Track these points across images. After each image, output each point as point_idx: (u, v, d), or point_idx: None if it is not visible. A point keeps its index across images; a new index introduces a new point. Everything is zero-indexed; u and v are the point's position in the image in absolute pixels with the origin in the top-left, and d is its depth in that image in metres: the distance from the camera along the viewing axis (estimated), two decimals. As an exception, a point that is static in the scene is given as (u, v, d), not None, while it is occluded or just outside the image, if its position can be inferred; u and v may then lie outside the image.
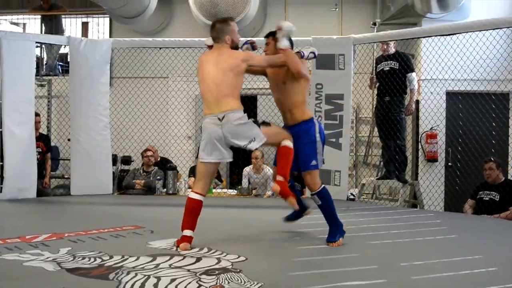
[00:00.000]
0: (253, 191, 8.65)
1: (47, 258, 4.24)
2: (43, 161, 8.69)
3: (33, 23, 12.62)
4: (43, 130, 8.85)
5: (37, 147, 8.36)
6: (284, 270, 3.98)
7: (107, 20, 11.67)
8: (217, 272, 3.86)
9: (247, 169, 8.95)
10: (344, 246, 4.86)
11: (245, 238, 5.24)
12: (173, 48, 8.86)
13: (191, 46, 8.69)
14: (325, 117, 8.02)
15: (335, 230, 4.90)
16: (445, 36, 7.60)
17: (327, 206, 4.91)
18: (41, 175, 8.44)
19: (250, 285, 3.55)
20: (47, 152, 8.82)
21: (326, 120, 8.00)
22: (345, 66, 7.99)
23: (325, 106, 8.04)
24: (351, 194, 8.19)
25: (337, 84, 8.00)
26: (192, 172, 9.31)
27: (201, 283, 3.60)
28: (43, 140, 8.74)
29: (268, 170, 8.80)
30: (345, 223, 5.09)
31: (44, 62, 11.31)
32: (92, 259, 4.17)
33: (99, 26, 11.85)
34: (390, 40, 8.00)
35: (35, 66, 8.29)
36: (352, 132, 10.04)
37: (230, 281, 3.64)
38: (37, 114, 8.80)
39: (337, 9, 10.98)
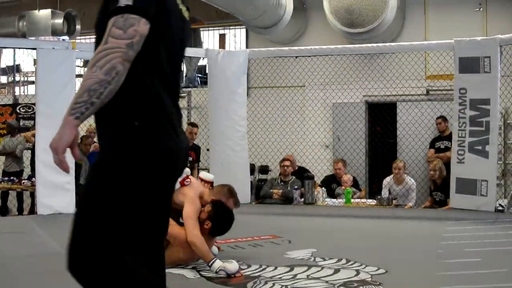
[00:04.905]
0: (393, 201, 8.37)
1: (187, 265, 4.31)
2: (191, 169, 8.97)
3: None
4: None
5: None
6: (427, 284, 3.78)
7: (243, 31, 11.88)
8: (355, 284, 3.75)
9: (388, 179, 8.68)
10: (493, 261, 4.55)
11: (385, 250, 5.08)
12: (310, 56, 8.81)
13: (327, 54, 8.63)
14: (470, 123, 7.61)
15: None
16: None
17: None
18: None
19: (391, 300, 3.40)
20: (196, 162, 9.07)
21: (471, 127, 7.59)
22: (491, 69, 7.54)
23: (469, 112, 7.63)
24: (500, 205, 7.70)
25: (483, 88, 7.58)
26: (324, 182, 9.14)
27: (339, 295, 3.51)
28: (194, 150, 8.99)
29: (410, 180, 8.49)
30: (493, 236, 4.78)
31: (184, 74, 11.69)
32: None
33: (236, 37, 12.09)
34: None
35: (175, 79, 8.54)
36: (500, 139, 9.48)
37: (369, 295, 3.51)
38: (195, 125, 8.99)
39: (481, 9, 10.39)
